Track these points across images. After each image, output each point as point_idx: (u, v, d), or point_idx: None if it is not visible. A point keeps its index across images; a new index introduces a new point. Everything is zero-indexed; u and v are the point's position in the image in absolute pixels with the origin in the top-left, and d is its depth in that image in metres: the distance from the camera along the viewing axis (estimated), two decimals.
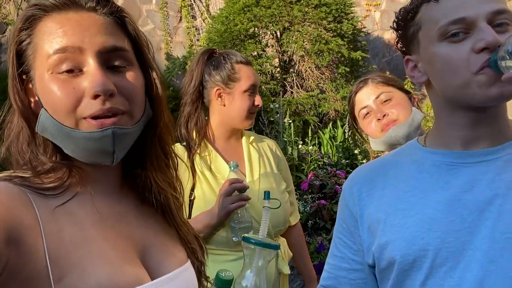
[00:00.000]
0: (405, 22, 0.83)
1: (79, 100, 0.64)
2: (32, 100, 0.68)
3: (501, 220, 0.71)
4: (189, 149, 1.50)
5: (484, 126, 0.78)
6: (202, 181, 1.46)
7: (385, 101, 1.40)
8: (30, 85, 0.68)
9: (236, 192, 1.35)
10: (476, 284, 0.71)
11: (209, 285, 0.86)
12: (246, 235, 0.90)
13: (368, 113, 1.42)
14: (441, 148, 0.82)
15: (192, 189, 1.47)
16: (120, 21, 0.70)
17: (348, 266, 0.88)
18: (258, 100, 1.47)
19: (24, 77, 0.67)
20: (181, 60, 5.26)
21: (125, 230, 0.71)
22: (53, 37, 0.64)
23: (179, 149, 1.53)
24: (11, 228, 0.56)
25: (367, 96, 1.42)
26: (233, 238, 1.38)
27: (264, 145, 1.59)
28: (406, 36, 0.84)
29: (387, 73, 4.98)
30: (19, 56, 0.67)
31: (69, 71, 0.64)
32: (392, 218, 0.80)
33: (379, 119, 1.39)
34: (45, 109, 0.66)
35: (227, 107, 1.48)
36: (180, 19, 6.27)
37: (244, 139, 1.56)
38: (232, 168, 1.40)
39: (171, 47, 6.22)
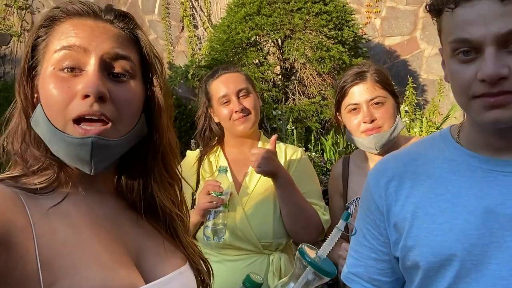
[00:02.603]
0: (434, 14, 0.76)
1: (71, 99, 0.64)
2: (35, 95, 0.69)
3: None
4: (203, 153, 1.60)
5: None
6: (202, 185, 1.49)
7: (376, 104, 1.40)
8: (36, 81, 0.69)
9: (213, 194, 1.38)
10: None
11: None
12: (303, 247, 0.82)
13: (355, 109, 1.42)
14: (475, 149, 0.77)
15: (195, 192, 1.51)
16: (134, 36, 0.72)
17: (377, 256, 0.88)
18: (234, 107, 1.49)
19: (33, 72, 0.69)
20: (183, 69, 5.29)
21: (119, 233, 0.71)
22: (64, 36, 0.67)
23: (191, 155, 1.58)
24: (2, 230, 0.55)
25: (362, 94, 1.39)
26: (204, 238, 1.40)
27: (278, 150, 1.58)
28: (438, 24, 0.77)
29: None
30: (33, 50, 0.69)
31: (71, 70, 0.65)
32: (420, 222, 0.79)
33: (365, 122, 1.40)
34: (41, 105, 0.67)
35: (219, 119, 1.56)
36: (182, 29, 6.32)
37: (260, 143, 1.59)
38: (220, 171, 1.45)
39: (173, 57, 6.27)
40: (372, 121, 1.38)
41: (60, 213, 0.64)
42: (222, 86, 1.51)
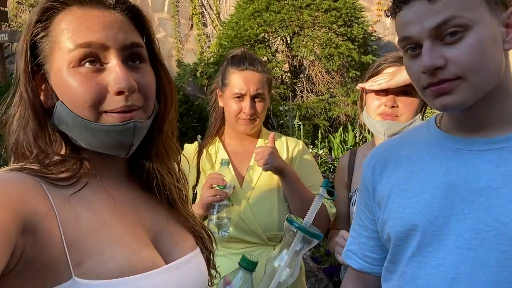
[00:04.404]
0: (392, 18, 0.84)
1: (102, 95, 0.65)
2: (41, 92, 0.69)
3: (488, 212, 0.73)
4: (202, 146, 1.56)
5: (480, 116, 0.78)
6: (203, 179, 1.47)
7: (404, 93, 1.35)
8: (42, 78, 0.68)
9: (216, 187, 1.34)
10: (454, 268, 0.76)
11: (217, 275, 0.89)
12: (291, 216, 0.87)
13: (381, 91, 1.37)
14: (449, 131, 0.83)
15: (196, 185, 1.49)
16: (135, 18, 0.71)
17: (368, 234, 0.96)
18: (244, 108, 1.44)
19: (35, 68, 0.67)
20: (192, 67, 5.29)
21: (138, 216, 0.73)
22: (76, 31, 0.65)
23: (189, 148, 1.55)
24: (26, 217, 0.56)
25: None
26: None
27: (279, 144, 1.55)
28: None
29: None
30: (32, 48, 0.67)
31: (91, 64, 0.65)
32: (394, 197, 0.86)
33: (385, 105, 1.36)
34: (61, 101, 0.66)
35: (224, 109, 1.51)
36: (191, 27, 6.33)
37: (260, 140, 1.55)
38: (222, 164, 1.41)
39: (182, 54, 6.27)
40: (392, 107, 1.35)
41: (81, 199, 0.65)
42: (242, 83, 1.44)
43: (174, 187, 0.81)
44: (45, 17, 0.66)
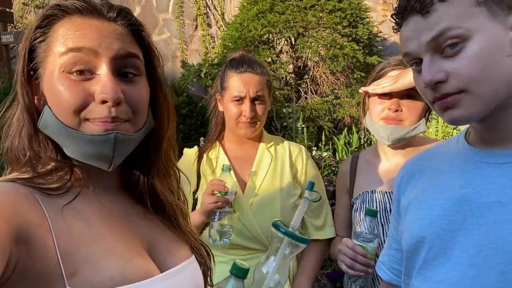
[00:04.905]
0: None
1: (87, 102, 0.65)
2: (36, 97, 0.69)
3: (494, 229, 0.71)
4: (202, 150, 1.54)
5: (499, 128, 0.75)
6: (204, 184, 1.44)
7: (408, 96, 1.32)
8: (36, 82, 0.68)
9: (217, 194, 1.32)
10: (454, 284, 0.73)
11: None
12: (277, 221, 0.87)
13: (385, 94, 1.34)
14: (474, 143, 0.81)
15: (196, 191, 1.47)
16: (137, 33, 0.72)
17: (396, 246, 0.94)
18: (244, 111, 1.42)
19: (31, 73, 0.68)
20: (196, 67, 5.28)
21: (131, 226, 0.73)
22: (69, 37, 0.65)
23: (188, 152, 1.53)
24: (20, 227, 0.57)
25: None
26: (209, 240, 1.34)
27: (281, 149, 1.54)
28: None
29: None
30: (30, 52, 0.68)
31: (80, 73, 0.65)
32: (411, 208, 0.85)
33: (389, 109, 1.33)
34: (49, 106, 0.66)
35: (224, 113, 1.49)
36: (196, 28, 6.32)
37: (261, 145, 1.53)
38: (223, 170, 1.39)
39: (186, 55, 6.27)
40: (396, 111, 1.32)
41: (74, 210, 0.65)
42: (242, 85, 1.42)
43: (176, 205, 0.81)
44: (45, 23, 0.67)
